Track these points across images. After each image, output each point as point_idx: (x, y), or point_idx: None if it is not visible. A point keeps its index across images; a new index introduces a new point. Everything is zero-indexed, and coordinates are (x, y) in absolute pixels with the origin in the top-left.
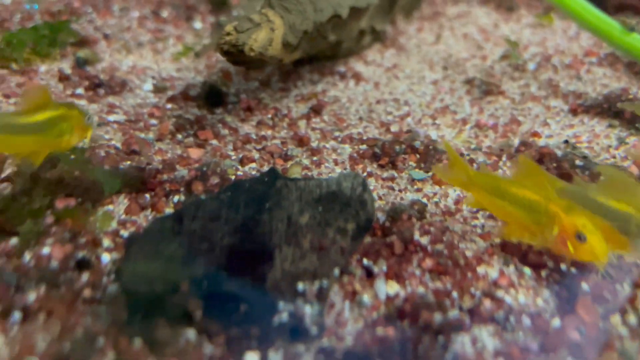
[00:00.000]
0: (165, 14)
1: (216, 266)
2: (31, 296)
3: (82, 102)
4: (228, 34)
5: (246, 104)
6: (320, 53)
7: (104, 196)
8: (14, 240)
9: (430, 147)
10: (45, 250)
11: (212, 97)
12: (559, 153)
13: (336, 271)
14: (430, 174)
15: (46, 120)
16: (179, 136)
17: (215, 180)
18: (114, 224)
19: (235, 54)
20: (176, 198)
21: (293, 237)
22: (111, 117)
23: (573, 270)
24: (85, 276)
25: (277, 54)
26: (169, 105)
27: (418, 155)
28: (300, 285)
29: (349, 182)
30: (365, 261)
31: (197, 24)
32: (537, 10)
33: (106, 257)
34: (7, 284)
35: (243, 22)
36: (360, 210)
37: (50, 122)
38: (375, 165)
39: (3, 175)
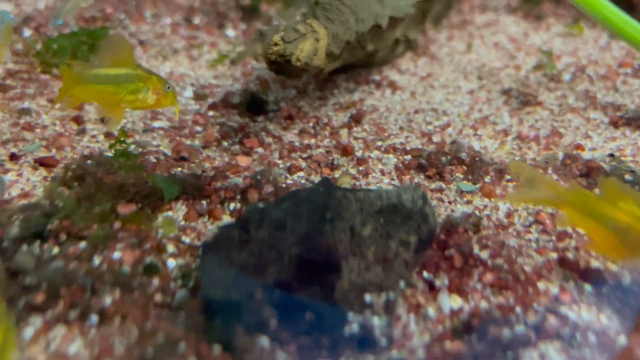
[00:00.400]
0: (197, 20)
1: (286, 275)
2: (107, 300)
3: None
4: (276, 44)
5: (287, 112)
6: (357, 62)
7: (164, 202)
8: (82, 244)
9: (477, 158)
10: (116, 254)
11: (253, 105)
12: (607, 167)
13: (402, 284)
14: (478, 186)
15: (124, 74)
16: (225, 143)
17: (269, 188)
18: (175, 230)
19: (281, 64)
20: (232, 205)
21: (357, 249)
22: (156, 124)
23: (635, 287)
24: (154, 281)
25: (321, 63)
26: (211, 113)
27: (465, 167)
28: (368, 297)
29: (409, 195)
30: (425, 274)
31: (230, 31)
32: (565, 19)
33: (172, 263)
34: (82, 286)
35: (289, 33)
36: (422, 223)
37: (128, 77)
38: (422, 176)
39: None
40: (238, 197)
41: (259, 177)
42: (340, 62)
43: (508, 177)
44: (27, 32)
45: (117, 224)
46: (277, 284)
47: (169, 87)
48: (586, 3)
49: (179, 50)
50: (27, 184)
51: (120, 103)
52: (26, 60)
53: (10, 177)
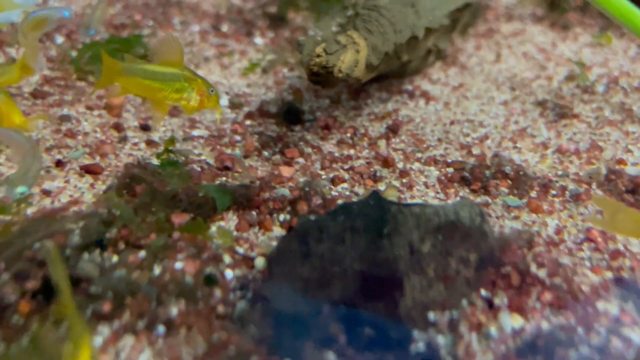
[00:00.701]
0: (225, 28)
1: (349, 291)
2: (173, 310)
3: (154, 114)
4: (318, 55)
5: (324, 122)
6: (389, 71)
7: (216, 213)
8: (142, 254)
9: (521, 172)
10: (178, 265)
11: (290, 114)
12: None
13: (464, 302)
14: (524, 201)
15: (171, 73)
16: (266, 153)
17: (318, 200)
18: (231, 241)
19: (323, 75)
20: (281, 217)
21: (417, 265)
22: (195, 132)
23: None
24: (214, 292)
25: (361, 75)
26: (248, 122)
27: (509, 181)
28: (432, 315)
29: (466, 212)
30: (483, 292)
31: (258, 39)
32: (592, 29)
33: (229, 274)
34: (147, 296)
35: (331, 44)
36: (481, 241)
37: (174, 76)
38: (467, 190)
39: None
40: (287, 208)
41: (307, 189)
42: (376, 72)
43: (553, 192)
44: (60, 39)
45: (177, 234)
46: (342, 300)
47: (212, 91)
48: (618, 12)
49: (210, 58)
50: (75, 190)
51: (164, 100)
52: (61, 67)
53: (57, 183)
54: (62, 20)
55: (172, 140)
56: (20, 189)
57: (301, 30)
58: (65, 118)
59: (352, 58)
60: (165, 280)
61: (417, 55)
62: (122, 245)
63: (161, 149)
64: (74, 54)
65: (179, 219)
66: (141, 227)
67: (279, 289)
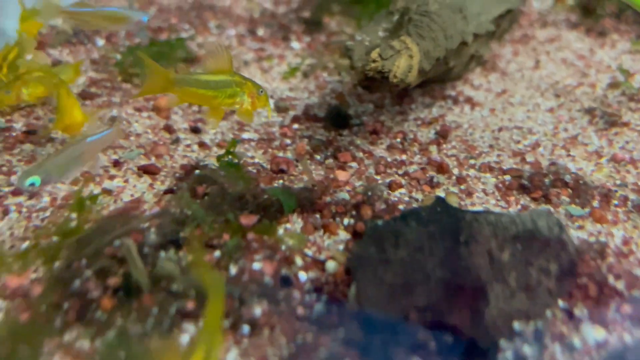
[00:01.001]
0: (260, 32)
1: (434, 298)
2: (257, 310)
3: (210, 119)
4: (374, 60)
5: (372, 127)
6: (434, 77)
7: (283, 215)
8: (217, 253)
9: (580, 181)
10: (256, 265)
11: (338, 119)
12: None
13: (548, 312)
14: (587, 210)
15: (222, 80)
16: (318, 157)
17: (381, 205)
18: (291, 242)
19: (378, 80)
20: (346, 221)
21: (499, 274)
22: (245, 135)
23: None
24: (292, 293)
25: (413, 80)
26: (296, 126)
27: (570, 190)
28: (516, 325)
29: (543, 221)
30: (560, 302)
31: (294, 44)
32: (628, 35)
33: (303, 276)
34: (230, 296)
35: (385, 49)
36: (560, 251)
37: (226, 83)
38: (527, 198)
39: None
40: (352, 212)
41: (369, 194)
42: (425, 77)
43: (615, 202)
44: (100, 42)
45: (251, 235)
46: (427, 306)
47: (262, 91)
48: None
49: (249, 62)
50: (135, 190)
51: (219, 106)
52: (105, 69)
53: (117, 182)
54: (139, 24)
55: (234, 142)
56: (31, 180)
57: (337, 35)
58: (115, 119)
59: (406, 63)
60: (244, 280)
61: (461, 60)
62: (195, 245)
63: (214, 151)
64: (116, 56)
65: (247, 220)
66: (212, 228)
67: (362, 294)
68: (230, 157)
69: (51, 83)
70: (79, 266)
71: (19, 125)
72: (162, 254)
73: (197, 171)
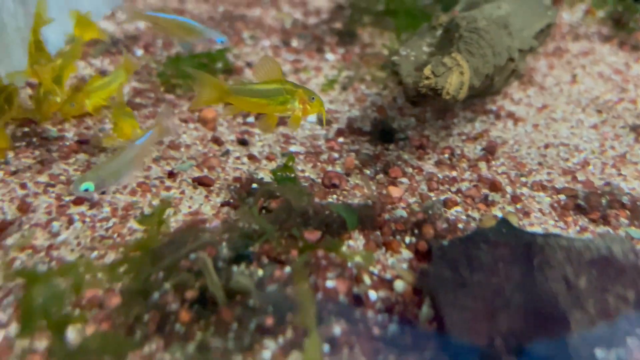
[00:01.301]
0: (294, 43)
1: (515, 323)
2: (336, 329)
3: (256, 130)
4: (427, 77)
5: (418, 141)
6: (476, 92)
7: (346, 231)
8: (287, 269)
9: (638, 202)
10: (330, 283)
11: (383, 133)
12: None
13: (629, 340)
14: None
15: (274, 89)
16: (368, 172)
17: (443, 224)
18: (350, 259)
19: (430, 97)
20: (407, 239)
21: (577, 301)
22: (292, 148)
23: None
24: (366, 312)
25: (463, 97)
26: (341, 139)
27: (627, 212)
28: (599, 353)
29: (618, 247)
30: (638, 330)
31: (329, 55)
32: None
33: (373, 295)
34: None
35: (438, 66)
36: (637, 278)
37: (277, 91)
38: (585, 219)
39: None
40: (413, 231)
41: (430, 212)
42: (471, 93)
43: None
44: (139, 52)
45: (321, 252)
46: (509, 332)
47: (313, 98)
48: None
49: (286, 74)
50: (192, 202)
51: (272, 112)
52: (148, 79)
53: (173, 193)
54: (210, 43)
55: (291, 157)
56: (85, 186)
57: (371, 46)
58: (163, 130)
59: (457, 80)
60: (320, 299)
61: (503, 75)
62: (265, 260)
63: (263, 163)
64: (154, 65)
65: (311, 236)
66: (280, 243)
67: (447, 319)
68: (286, 171)
69: (107, 96)
70: (157, 278)
71: (70, 134)
72: (235, 268)
73: (254, 185)
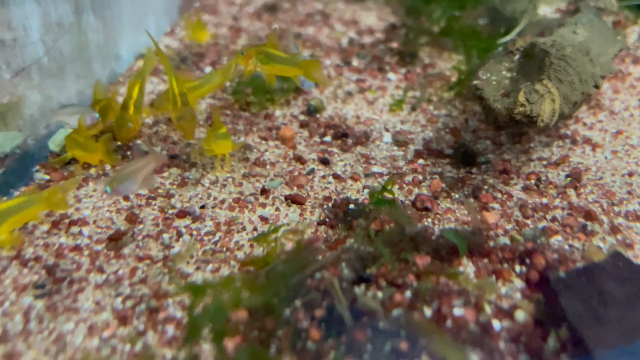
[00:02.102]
0: (355, 63)
1: None
2: (474, 359)
3: (336, 150)
4: (522, 104)
5: (501, 166)
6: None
7: (456, 257)
8: (408, 294)
9: None
10: (458, 311)
11: (466, 156)
12: None
13: None
14: None
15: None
16: (456, 196)
17: (553, 255)
18: (470, 287)
19: (523, 123)
20: (518, 268)
21: None
22: (374, 169)
23: None
24: (498, 343)
25: (553, 123)
26: (421, 161)
27: None
28: None
29: None
30: None
31: (391, 75)
32: None
33: (497, 324)
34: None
35: (530, 93)
36: None
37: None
38: None
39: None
40: (523, 259)
41: (538, 241)
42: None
43: None
44: (208, 68)
45: (443, 278)
46: None
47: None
48: None
49: (353, 93)
50: (288, 219)
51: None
52: (221, 96)
53: (269, 210)
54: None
55: (392, 181)
56: (106, 189)
57: (431, 67)
58: (247, 147)
59: (549, 107)
60: (449, 327)
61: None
62: (382, 283)
63: (349, 183)
64: (227, 84)
65: (422, 261)
66: (394, 266)
67: (590, 353)
68: (386, 194)
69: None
70: (286, 295)
71: (158, 149)
72: (357, 289)
73: (351, 206)
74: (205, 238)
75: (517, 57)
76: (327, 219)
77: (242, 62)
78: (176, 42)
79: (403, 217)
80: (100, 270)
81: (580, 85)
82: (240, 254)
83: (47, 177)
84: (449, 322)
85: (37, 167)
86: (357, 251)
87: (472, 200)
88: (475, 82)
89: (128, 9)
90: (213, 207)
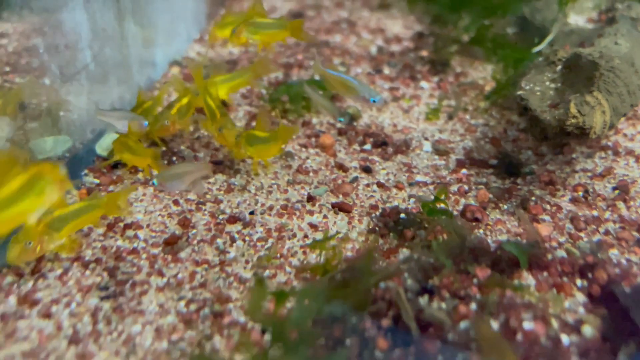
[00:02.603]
0: (386, 71)
1: None
2: None
3: (376, 158)
4: (574, 116)
5: (547, 177)
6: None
7: (517, 270)
8: (473, 306)
9: None
10: (528, 325)
11: (510, 166)
12: None
13: None
14: None
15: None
16: (504, 207)
17: (614, 269)
18: (534, 300)
19: (574, 135)
20: (579, 282)
21: None
22: (418, 178)
23: None
24: (568, 357)
25: (603, 135)
26: (464, 171)
27: None
28: None
29: None
30: None
31: (424, 84)
32: None
33: (565, 339)
34: (515, 353)
35: (583, 105)
36: None
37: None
38: None
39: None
40: (584, 273)
41: (599, 255)
42: None
43: None
44: None
45: (509, 291)
46: None
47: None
48: None
49: (387, 102)
50: (336, 227)
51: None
52: (257, 103)
53: (317, 218)
54: (364, 101)
55: (445, 190)
56: (154, 182)
57: (463, 75)
58: (288, 154)
59: (600, 119)
60: (520, 340)
61: None
62: (445, 294)
63: (393, 192)
64: (263, 90)
65: (482, 273)
66: (456, 278)
67: None
68: (439, 204)
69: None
70: (353, 304)
71: (201, 154)
72: (420, 300)
73: (402, 215)
74: (258, 244)
75: (559, 67)
76: (377, 228)
77: (236, 41)
78: (206, 49)
79: (463, 229)
80: (160, 273)
81: (628, 97)
82: (294, 261)
83: (96, 180)
84: (519, 336)
85: (86, 171)
86: (417, 261)
87: (522, 211)
88: (519, 92)
89: (163, 17)
90: (262, 214)
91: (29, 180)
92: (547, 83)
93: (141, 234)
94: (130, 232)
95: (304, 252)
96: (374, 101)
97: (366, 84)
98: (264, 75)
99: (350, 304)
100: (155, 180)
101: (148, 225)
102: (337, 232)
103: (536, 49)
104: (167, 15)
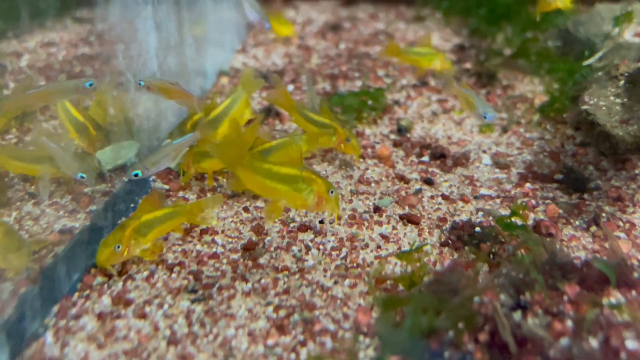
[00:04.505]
0: (432, 82)
1: None
2: None
3: (436, 170)
4: None
5: (615, 193)
6: None
7: (607, 288)
8: (569, 323)
9: None
10: (631, 344)
11: (576, 182)
12: None
13: None
14: None
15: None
16: (577, 223)
17: None
18: (629, 318)
19: None
20: None
21: None
22: (482, 191)
23: None
24: None
25: None
26: (529, 185)
27: None
28: None
29: None
30: None
31: None
32: None
33: None
34: None
35: None
36: None
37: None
38: None
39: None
40: None
41: None
42: None
43: None
44: (290, 87)
45: (607, 310)
46: None
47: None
48: None
49: (438, 113)
50: (407, 238)
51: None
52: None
53: (385, 228)
54: (478, 117)
55: (523, 205)
56: (134, 172)
57: (510, 88)
58: (346, 163)
59: None
60: (624, 359)
61: None
62: (538, 310)
63: (460, 205)
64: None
65: (572, 290)
66: (547, 294)
67: None
68: (516, 218)
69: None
70: (448, 317)
71: None
72: (515, 315)
73: (477, 229)
74: (333, 253)
75: (622, 82)
76: (450, 241)
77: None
78: (250, 60)
79: (552, 244)
80: (244, 278)
81: None
82: (371, 271)
83: (166, 186)
84: (623, 355)
85: (153, 177)
86: (508, 276)
87: (595, 228)
88: (583, 107)
89: (213, 27)
90: (331, 223)
91: None
92: (612, 98)
93: (218, 239)
94: (207, 237)
95: (380, 263)
96: (486, 117)
97: (484, 100)
98: (253, 92)
99: (453, 317)
100: (138, 171)
101: (223, 231)
102: (424, 244)
103: (586, 62)
104: (215, 26)
